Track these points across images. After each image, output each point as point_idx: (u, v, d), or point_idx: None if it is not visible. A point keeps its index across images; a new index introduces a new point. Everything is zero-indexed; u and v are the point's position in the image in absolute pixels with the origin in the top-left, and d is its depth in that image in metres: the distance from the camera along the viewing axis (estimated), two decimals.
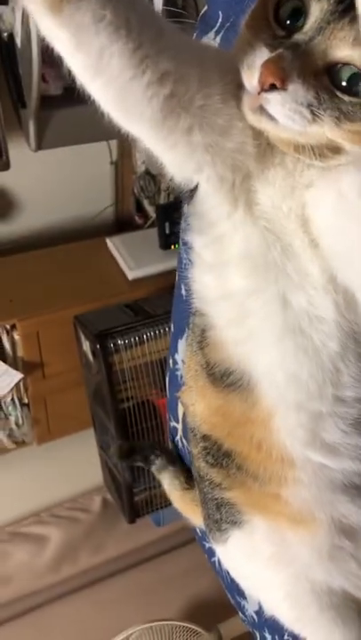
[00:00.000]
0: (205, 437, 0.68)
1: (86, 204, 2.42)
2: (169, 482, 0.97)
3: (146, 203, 2.41)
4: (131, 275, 2.17)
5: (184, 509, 0.94)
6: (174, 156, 0.51)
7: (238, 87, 0.48)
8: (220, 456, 0.66)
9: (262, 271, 0.54)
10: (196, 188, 0.54)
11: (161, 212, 2.21)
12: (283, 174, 0.51)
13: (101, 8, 0.43)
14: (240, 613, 0.98)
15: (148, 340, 1.87)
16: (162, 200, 2.37)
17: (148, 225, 2.41)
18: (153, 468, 1.01)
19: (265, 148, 0.51)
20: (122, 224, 2.51)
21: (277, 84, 0.44)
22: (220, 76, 0.49)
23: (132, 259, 2.21)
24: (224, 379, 0.60)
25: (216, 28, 0.75)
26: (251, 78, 0.46)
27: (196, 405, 0.69)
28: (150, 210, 2.40)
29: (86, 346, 1.91)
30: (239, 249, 0.54)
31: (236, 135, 0.50)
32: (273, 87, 0.45)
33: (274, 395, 0.58)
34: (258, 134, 0.50)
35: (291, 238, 0.52)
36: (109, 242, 2.30)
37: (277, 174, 0.51)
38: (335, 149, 0.48)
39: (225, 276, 0.56)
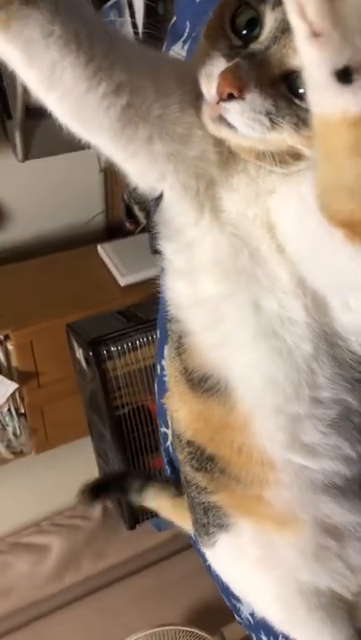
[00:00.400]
0: (189, 443, 0.69)
1: (76, 212, 2.43)
2: (153, 496, 0.97)
3: (136, 208, 2.41)
4: (123, 281, 2.17)
5: (176, 518, 0.94)
6: (136, 164, 0.51)
7: (197, 96, 0.48)
8: (204, 460, 0.67)
9: (233, 276, 0.54)
10: (161, 196, 0.54)
11: (152, 216, 2.21)
12: (246, 181, 0.52)
13: (50, 23, 0.43)
14: (236, 616, 0.98)
15: (141, 345, 1.87)
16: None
17: (138, 230, 2.42)
18: (133, 494, 1.00)
19: (227, 155, 0.52)
20: (113, 230, 2.52)
21: (235, 94, 0.45)
22: (177, 86, 0.49)
23: (124, 265, 2.22)
24: (202, 384, 0.61)
25: (184, 38, 0.76)
26: (209, 88, 0.47)
27: (179, 411, 0.69)
28: (141, 215, 2.41)
29: (80, 354, 1.91)
30: (209, 255, 0.55)
31: (197, 143, 0.50)
32: (231, 96, 0.45)
33: (251, 398, 0.58)
34: (219, 142, 0.51)
35: (258, 244, 0.53)
36: (100, 249, 2.31)
37: (241, 181, 0.52)
38: (296, 155, 0.49)
39: (197, 283, 0.57)
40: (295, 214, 0.50)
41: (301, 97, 0.46)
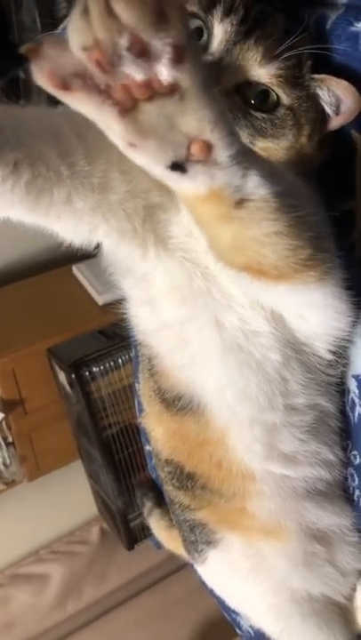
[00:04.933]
0: (168, 461, 0.69)
1: (49, 235, 2.42)
2: (156, 524, 0.97)
3: None
4: (100, 300, 2.16)
5: (175, 547, 0.92)
6: (63, 225, 0.51)
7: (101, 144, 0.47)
8: (184, 478, 0.67)
9: (190, 299, 0.54)
10: (99, 245, 0.54)
11: None
12: None
13: None
14: (237, 629, 0.97)
15: (123, 363, 1.86)
16: None
17: None
18: (144, 510, 1.01)
19: None
20: (86, 250, 2.51)
21: None
22: (78, 141, 0.48)
23: (100, 283, 2.20)
24: (176, 403, 0.61)
25: None
26: None
27: (155, 430, 0.69)
28: None
29: (62, 377, 1.90)
30: (164, 283, 0.55)
31: (117, 187, 0.50)
32: None
33: (225, 413, 0.58)
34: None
35: (206, 262, 0.53)
36: (75, 269, 2.29)
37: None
38: None
39: (158, 309, 0.58)
40: None
41: (254, 107, 0.47)
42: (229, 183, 0.39)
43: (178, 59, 0.32)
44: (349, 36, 0.49)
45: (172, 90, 0.33)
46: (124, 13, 0.30)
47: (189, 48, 0.33)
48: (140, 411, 1.05)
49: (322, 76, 0.50)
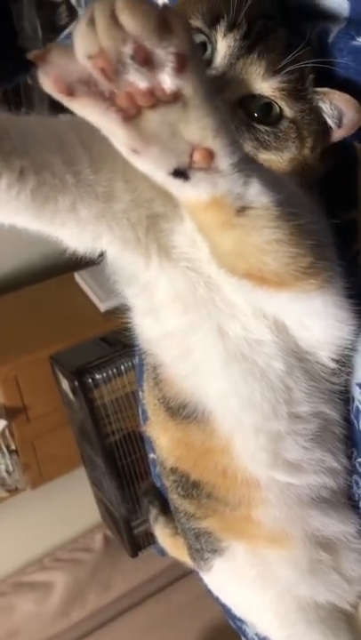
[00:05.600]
0: (173, 470, 0.69)
1: (51, 242, 2.43)
2: (161, 532, 0.97)
3: None
4: (103, 307, 2.16)
5: (179, 555, 0.92)
6: (67, 232, 0.51)
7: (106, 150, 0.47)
8: (190, 487, 0.67)
9: (193, 308, 0.55)
10: (102, 253, 0.54)
11: None
12: None
13: None
14: (242, 637, 0.97)
15: (126, 370, 1.86)
16: None
17: None
18: (150, 518, 1.01)
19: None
20: (88, 256, 2.52)
21: None
22: (84, 149, 0.48)
23: (102, 290, 2.21)
24: (180, 411, 0.61)
25: None
26: None
27: (160, 439, 0.69)
28: None
29: (65, 384, 1.90)
30: (167, 292, 0.56)
31: (122, 195, 0.50)
32: None
33: (230, 422, 0.59)
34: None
35: (209, 271, 0.53)
36: (77, 276, 2.30)
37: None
38: None
39: (161, 319, 0.58)
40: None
41: (258, 120, 0.48)
42: (231, 191, 0.39)
43: (181, 67, 0.33)
44: (351, 49, 0.50)
45: (175, 98, 0.34)
46: (129, 23, 0.31)
47: (192, 57, 0.34)
48: (144, 419, 1.05)
49: (324, 89, 0.51)
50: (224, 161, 0.37)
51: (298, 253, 0.44)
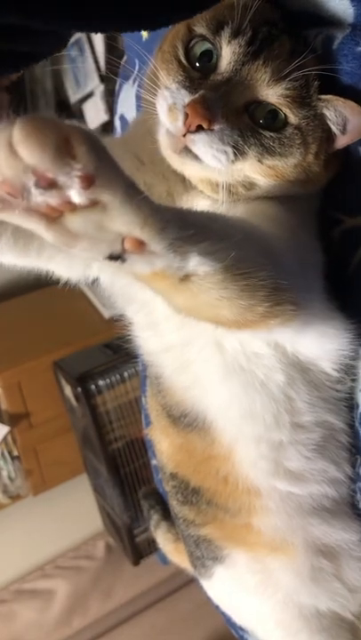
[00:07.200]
0: (173, 475, 0.68)
1: None
2: (162, 537, 0.96)
3: None
4: (107, 313, 2.17)
5: (181, 561, 0.92)
6: (56, 265, 0.52)
7: None
8: (189, 493, 0.66)
9: (189, 323, 0.55)
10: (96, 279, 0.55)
11: None
12: None
13: None
14: None
15: (129, 377, 1.86)
16: None
17: None
18: (151, 523, 1.01)
19: (165, 198, 0.53)
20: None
21: (204, 125, 0.46)
22: None
23: (106, 297, 2.21)
24: (182, 420, 0.61)
25: (134, 76, 0.78)
26: (175, 120, 0.47)
27: (161, 444, 0.69)
28: None
29: (68, 390, 1.90)
30: (164, 308, 0.55)
31: None
32: (199, 128, 0.46)
33: (231, 431, 0.59)
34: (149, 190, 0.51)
35: None
36: None
37: None
38: (248, 185, 0.50)
39: (160, 332, 0.59)
40: None
41: (263, 126, 0.48)
42: (170, 266, 0.39)
43: (88, 185, 0.32)
44: (356, 55, 0.50)
45: (94, 204, 0.34)
46: (26, 154, 0.31)
47: (101, 168, 0.33)
48: (147, 424, 1.04)
49: (329, 96, 0.51)
50: (156, 246, 0.37)
51: (250, 304, 0.43)
